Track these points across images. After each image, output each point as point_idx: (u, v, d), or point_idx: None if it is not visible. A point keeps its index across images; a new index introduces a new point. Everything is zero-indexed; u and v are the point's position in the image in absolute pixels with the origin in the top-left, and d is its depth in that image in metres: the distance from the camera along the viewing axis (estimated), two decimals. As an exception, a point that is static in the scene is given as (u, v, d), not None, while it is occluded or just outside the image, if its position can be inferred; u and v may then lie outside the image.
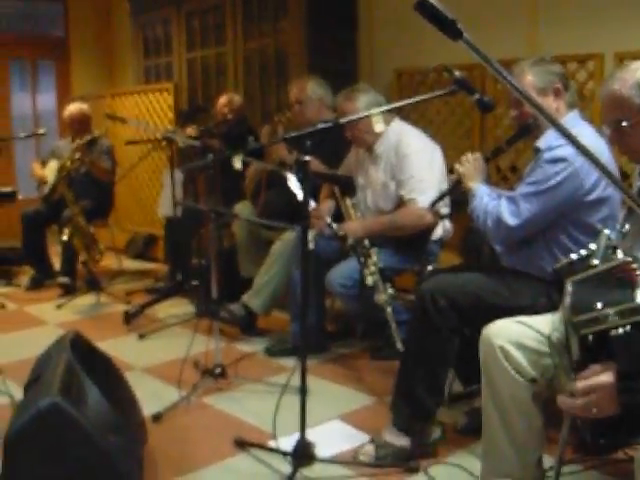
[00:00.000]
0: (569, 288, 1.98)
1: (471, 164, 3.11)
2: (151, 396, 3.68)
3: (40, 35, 9.68)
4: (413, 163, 3.92)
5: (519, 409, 2.42)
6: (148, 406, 3.35)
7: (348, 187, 4.14)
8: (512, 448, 2.46)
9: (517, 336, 2.40)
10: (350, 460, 3.03)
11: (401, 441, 3.01)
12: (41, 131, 6.46)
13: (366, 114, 3.21)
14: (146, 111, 7.42)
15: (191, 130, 5.56)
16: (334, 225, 3.91)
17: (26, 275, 6.61)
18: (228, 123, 5.73)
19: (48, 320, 5.36)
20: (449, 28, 1.33)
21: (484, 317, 2.60)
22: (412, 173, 3.91)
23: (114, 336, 4.82)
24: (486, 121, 5.03)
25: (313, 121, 4.55)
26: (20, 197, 6.78)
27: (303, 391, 2.78)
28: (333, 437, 3.25)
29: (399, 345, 3.56)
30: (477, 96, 2.86)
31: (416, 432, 3.02)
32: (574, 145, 1.48)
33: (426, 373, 2.97)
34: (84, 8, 9.45)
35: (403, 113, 4.64)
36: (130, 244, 7.75)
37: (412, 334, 3.05)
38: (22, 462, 2.53)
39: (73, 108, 6.43)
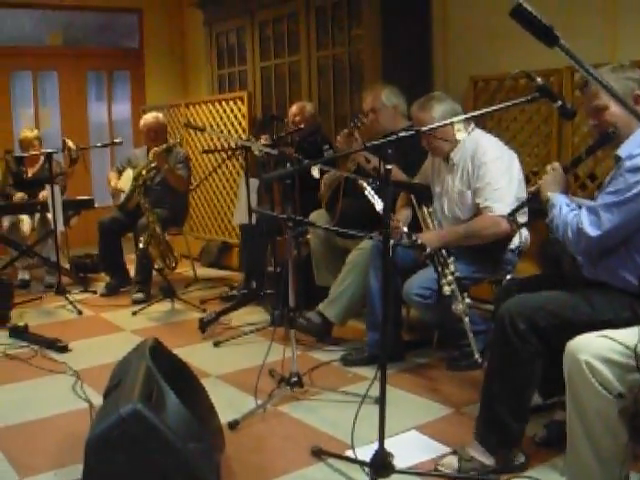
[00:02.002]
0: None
1: (549, 174, 3.06)
2: (227, 404, 3.70)
3: (116, 46, 9.87)
4: (490, 171, 3.87)
5: (605, 424, 2.36)
6: (224, 414, 3.34)
7: (425, 196, 4.11)
8: (597, 463, 2.40)
9: (603, 350, 2.34)
10: (428, 471, 2.99)
11: (486, 460, 2.95)
12: (118, 140, 6.57)
13: (448, 122, 3.17)
14: (220, 120, 7.48)
15: (264, 139, 5.58)
16: (412, 234, 3.88)
17: (102, 282, 6.72)
18: (300, 132, 5.74)
19: (124, 327, 5.43)
20: (545, 34, 1.31)
21: (566, 335, 2.54)
22: (488, 181, 3.86)
23: (189, 343, 4.86)
24: (564, 128, 4.96)
25: (388, 129, 4.55)
26: (96, 205, 6.87)
27: (382, 401, 2.74)
28: (410, 448, 3.21)
29: (477, 356, 3.52)
30: (559, 103, 2.80)
31: (501, 455, 2.96)
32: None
33: (510, 397, 2.89)
34: (158, 19, 9.64)
35: (479, 120, 4.59)
36: (204, 252, 7.81)
37: (493, 357, 2.97)
38: (103, 467, 2.56)
39: (149, 117, 6.51)
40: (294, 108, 6.00)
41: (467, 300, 3.62)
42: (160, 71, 9.80)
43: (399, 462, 2.85)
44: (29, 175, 7.08)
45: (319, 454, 3.17)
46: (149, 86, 9.83)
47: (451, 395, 3.84)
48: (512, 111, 5.26)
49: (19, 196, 6.85)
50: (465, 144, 3.99)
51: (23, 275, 6.95)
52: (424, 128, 2.95)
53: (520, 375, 2.87)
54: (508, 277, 3.87)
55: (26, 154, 6.93)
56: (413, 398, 3.83)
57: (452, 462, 2.98)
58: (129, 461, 2.54)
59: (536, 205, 3.13)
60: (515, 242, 4.02)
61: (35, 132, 7.17)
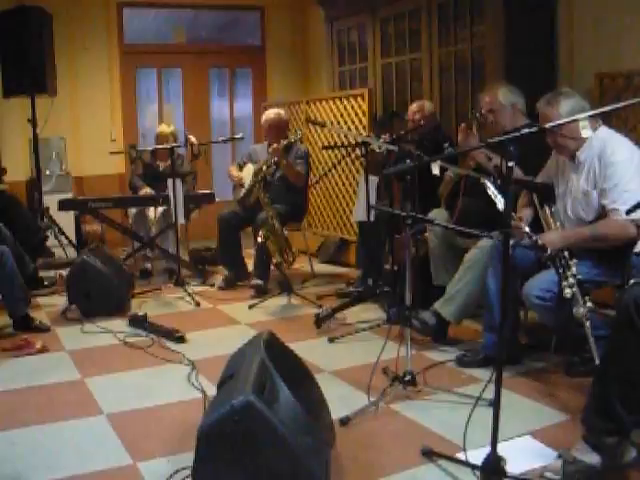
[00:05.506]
0: None
1: None
2: (339, 400, 3.69)
3: (238, 44, 10.03)
4: (618, 172, 3.73)
5: None
6: (336, 409, 3.34)
7: (547, 195, 4.00)
8: None
9: None
10: (539, 478, 2.90)
11: (591, 458, 2.82)
12: (239, 136, 6.66)
13: (574, 119, 3.06)
14: (340, 117, 7.47)
15: (384, 137, 5.55)
16: (533, 235, 3.78)
17: (220, 275, 6.83)
18: (420, 129, 5.70)
19: (240, 319, 5.50)
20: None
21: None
22: (617, 182, 3.71)
23: (304, 338, 4.88)
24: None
25: (507, 129, 4.46)
26: (217, 199, 6.99)
27: (497, 404, 2.68)
28: (523, 453, 3.13)
29: (597, 361, 3.40)
30: (694, 100, 2.68)
31: (608, 450, 2.83)
32: None
33: (626, 387, 2.76)
34: (280, 17, 9.76)
35: (605, 119, 4.45)
36: (322, 248, 7.85)
37: (612, 345, 2.87)
38: (213, 456, 2.60)
39: (271, 113, 6.58)
40: (414, 106, 5.99)
41: (589, 304, 3.50)
42: (281, 68, 9.91)
43: (511, 468, 2.77)
44: (160, 169, 7.25)
45: (430, 455, 3.12)
46: (270, 83, 9.95)
47: (568, 401, 3.73)
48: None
49: (144, 191, 7.03)
50: (592, 142, 3.85)
51: (144, 265, 7.12)
52: (548, 125, 2.85)
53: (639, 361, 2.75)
54: (632, 281, 3.72)
55: (145, 148, 7.16)
56: (528, 402, 3.74)
57: (558, 466, 2.87)
58: (239, 451, 2.57)
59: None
60: (640, 245, 3.87)
61: (172, 128, 7.37)
